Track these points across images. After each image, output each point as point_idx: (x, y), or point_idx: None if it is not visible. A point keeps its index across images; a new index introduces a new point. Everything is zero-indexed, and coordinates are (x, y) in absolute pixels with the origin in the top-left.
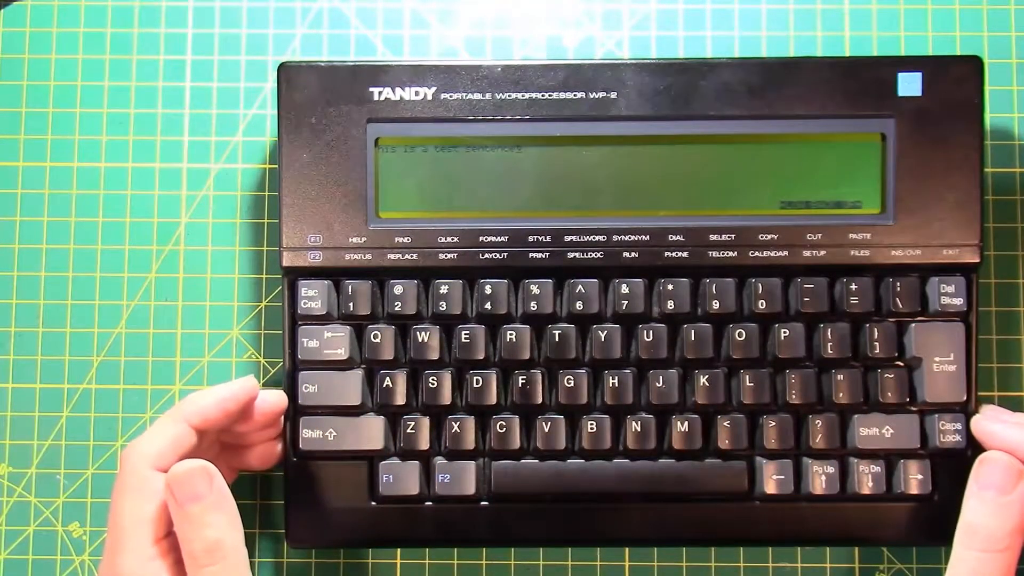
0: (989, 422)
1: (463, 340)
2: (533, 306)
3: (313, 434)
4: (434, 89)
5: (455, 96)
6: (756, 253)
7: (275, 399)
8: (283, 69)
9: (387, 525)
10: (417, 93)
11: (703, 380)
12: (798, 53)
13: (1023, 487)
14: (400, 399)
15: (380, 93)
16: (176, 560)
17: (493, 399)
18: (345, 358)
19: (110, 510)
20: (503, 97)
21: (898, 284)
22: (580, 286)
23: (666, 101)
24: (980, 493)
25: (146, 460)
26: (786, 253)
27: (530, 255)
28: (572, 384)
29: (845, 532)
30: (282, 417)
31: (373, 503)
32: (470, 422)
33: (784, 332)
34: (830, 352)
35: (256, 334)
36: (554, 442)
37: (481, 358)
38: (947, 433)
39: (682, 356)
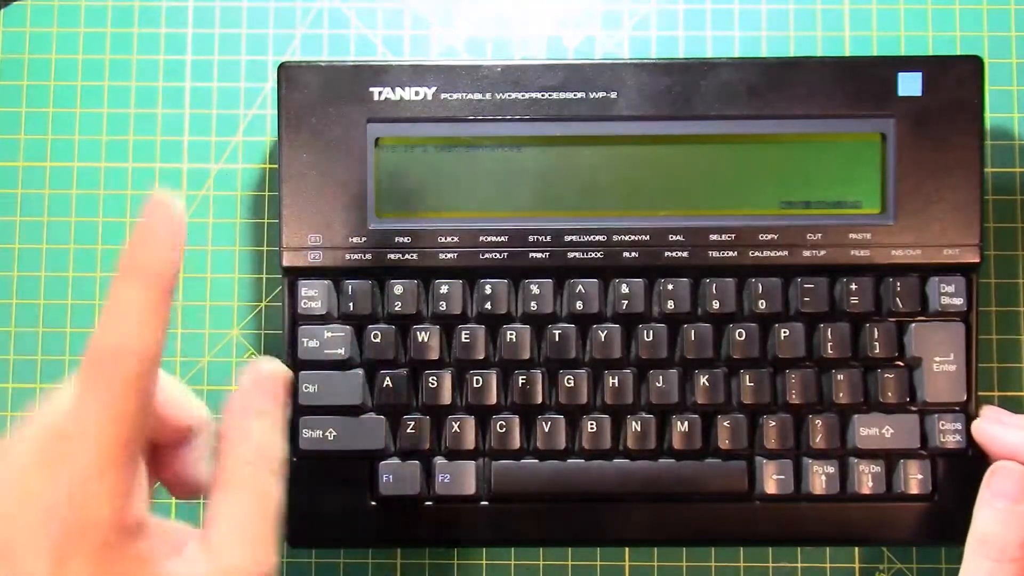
0: (989, 425)
1: (463, 340)
2: (533, 306)
3: (313, 434)
4: (434, 89)
5: (455, 96)
6: (756, 253)
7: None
8: (283, 69)
9: (387, 525)
10: (417, 93)
11: (703, 380)
12: (798, 53)
13: None
14: (400, 399)
15: (380, 93)
16: None
17: (493, 399)
18: (345, 358)
19: None
20: (503, 97)
21: (898, 284)
22: (580, 286)
23: (666, 101)
24: (992, 502)
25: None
26: (786, 253)
27: (530, 255)
28: (572, 384)
29: (845, 532)
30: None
31: (373, 503)
32: (470, 422)
33: (784, 332)
34: (830, 352)
35: (256, 334)
36: (554, 442)
37: (481, 358)
38: (947, 433)
39: (682, 356)
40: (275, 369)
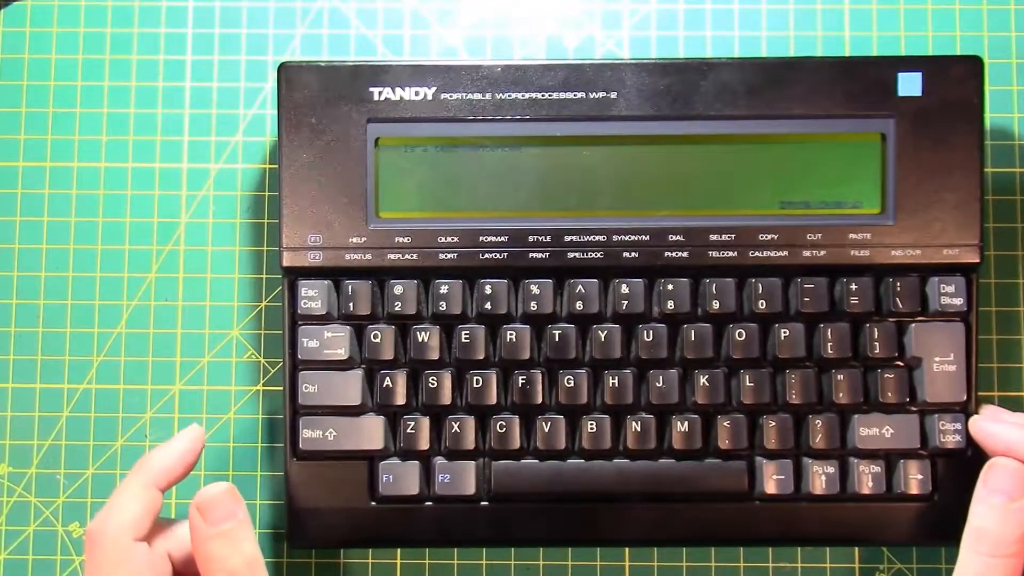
0: (987, 422)
1: (463, 340)
2: (533, 306)
3: (313, 434)
4: (434, 89)
5: (455, 96)
6: (756, 253)
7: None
8: (283, 69)
9: (387, 525)
10: (417, 93)
11: (703, 380)
12: (798, 53)
13: None
14: (400, 399)
15: (380, 93)
16: None
17: (493, 399)
18: (345, 358)
19: None
20: (503, 97)
21: (898, 284)
22: (580, 286)
23: (666, 101)
24: (989, 498)
25: (127, 533)
26: (786, 253)
27: (530, 255)
28: (572, 384)
29: (845, 532)
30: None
31: (373, 503)
32: (470, 422)
33: (784, 332)
34: (830, 352)
35: (256, 334)
36: (554, 442)
37: (481, 358)
38: (947, 433)
39: (682, 356)
40: (216, 491)
